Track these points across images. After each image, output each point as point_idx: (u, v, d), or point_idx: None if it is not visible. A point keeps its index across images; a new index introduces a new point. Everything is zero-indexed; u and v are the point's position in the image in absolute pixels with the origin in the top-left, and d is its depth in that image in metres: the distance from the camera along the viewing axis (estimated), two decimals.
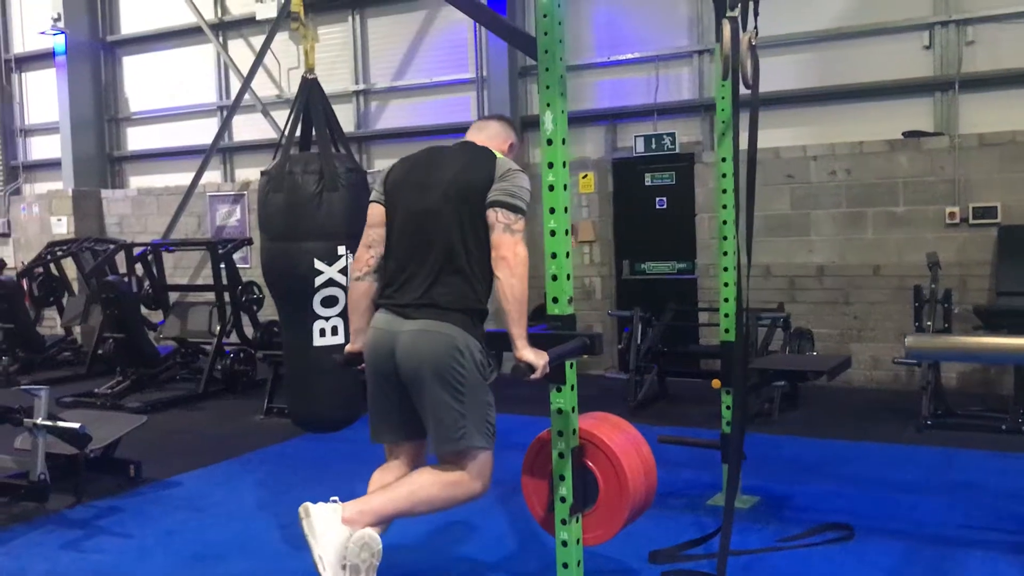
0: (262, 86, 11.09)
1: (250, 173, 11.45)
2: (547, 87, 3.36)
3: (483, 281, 3.18)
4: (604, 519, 3.51)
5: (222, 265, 8.80)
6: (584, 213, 9.20)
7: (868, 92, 8.11)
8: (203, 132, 11.58)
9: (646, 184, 9.08)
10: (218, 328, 8.86)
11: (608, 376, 8.15)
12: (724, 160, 4.94)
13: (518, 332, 2.91)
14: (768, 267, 8.31)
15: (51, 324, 11.64)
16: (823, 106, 8.32)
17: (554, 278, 3.39)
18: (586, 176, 9.15)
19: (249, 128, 11.38)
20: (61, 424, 5.26)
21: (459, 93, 10.07)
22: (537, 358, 2.88)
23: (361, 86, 10.68)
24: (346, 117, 10.80)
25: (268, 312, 9.26)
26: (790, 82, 8.39)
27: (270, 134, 10.92)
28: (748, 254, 3.78)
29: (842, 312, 8.05)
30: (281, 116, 11.05)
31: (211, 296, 9.12)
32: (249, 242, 9.20)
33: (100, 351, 9.54)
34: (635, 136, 9.03)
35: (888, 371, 7.84)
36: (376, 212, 3.32)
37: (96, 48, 12.34)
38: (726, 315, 4.98)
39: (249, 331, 8.99)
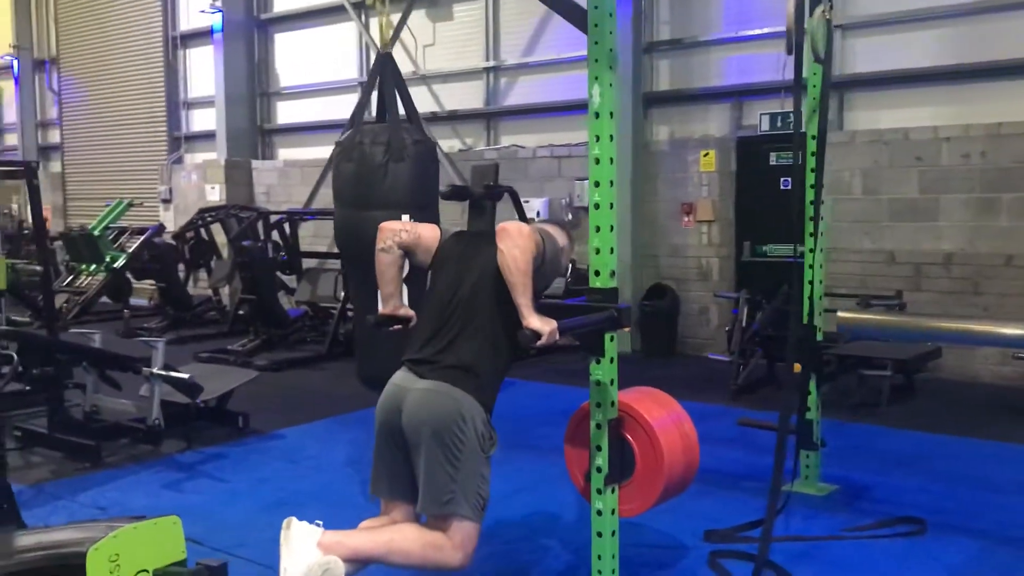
0: (399, 64, 11.41)
1: None
2: (595, 60, 3.39)
3: (503, 353, 3.19)
4: (640, 492, 3.53)
5: None
6: (704, 192, 9.06)
7: (1008, 70, 7.58)
8: (345, 106, 12.01)
9: (771, 164, 8.82)
10: (343, 293, 9.26)
11: (711, 357, 8.02)
12: (813, 138, 4.80)
13: (523, 301, 2.95)
14: (892, 253, 7.96)
15: (202, 285, 12.45)
16: (958, 85, 7.84)
17: (597, 251, 3.41)
18: (707, 154, 8.99)
19: None
20: (174, 374, 5.70)
21: (585, 70, 10.05)
22: (543, 325, 2.91)
23: (491, 63, 10.84)
24: (475, 94, 11.03)
25: None
26: (922, 59, 7.95)
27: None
28: (815, 236, 3.69)
29: (970, 303, 7.61)
30: (415, 91, 11.37)
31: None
32: None
33: (240, 311, 10.17)
34: (760, 114, 8.79)
35: (1017, 367, 7.38)
36: (429, 231, 3.40)
37: (250, 25, 13.03)
38: (810, 298, 4.85)
39: None
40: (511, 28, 10.70)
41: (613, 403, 3.47)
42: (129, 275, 12.74)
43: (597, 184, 3.41)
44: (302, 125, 12.82)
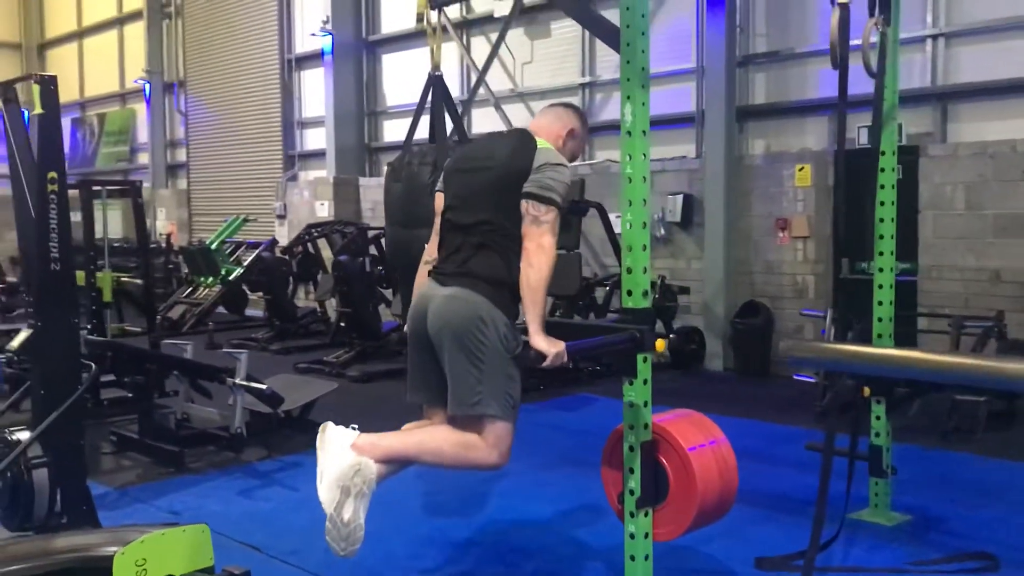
0: (497, 80, 11.58)
1: None
2: (627, 79, 3.37)
3: (518, 261, 3.25)
4: (673, 516, 3.48)
5: None
6: (799, 207, 8.81)
7: None
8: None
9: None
10: None
11: (796, 378, 7.78)
12: (883, 153, 4.65)
13: (532, 320, 2.98)
14: (998, 271, 7.55)
15: (311, 298, 12.87)
16: None
17: (628, 271, 3.39)
18: (803, 169, 8.75)
19: (488, 121, 11.91)
20: (254, 385, 5.93)
21: (680, 84, 9.97)
22: (549, 347, 2.92)
23: (587, 79, 10.86)
24: None
25: None
26: None
27: (503, 127, 11.38)
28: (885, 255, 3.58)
29: None
30: (514, 109, 11.52)
31: None
32: None
33: (341, 324, 10.48)
34: (858, 127, 8.48)
35: None
36: (439, 200, 3.51)
37: (359, 47, 13.45)
38: (879, 319, 4.67)
39: None
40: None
41: (646, 425, 3.43)
42: (245, 287, 13.35)
43: (630, 203, 3.39)
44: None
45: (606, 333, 3.29)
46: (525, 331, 3.13)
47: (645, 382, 3.42)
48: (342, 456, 3.05)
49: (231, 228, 13.48)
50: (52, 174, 4.27)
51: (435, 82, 4.44)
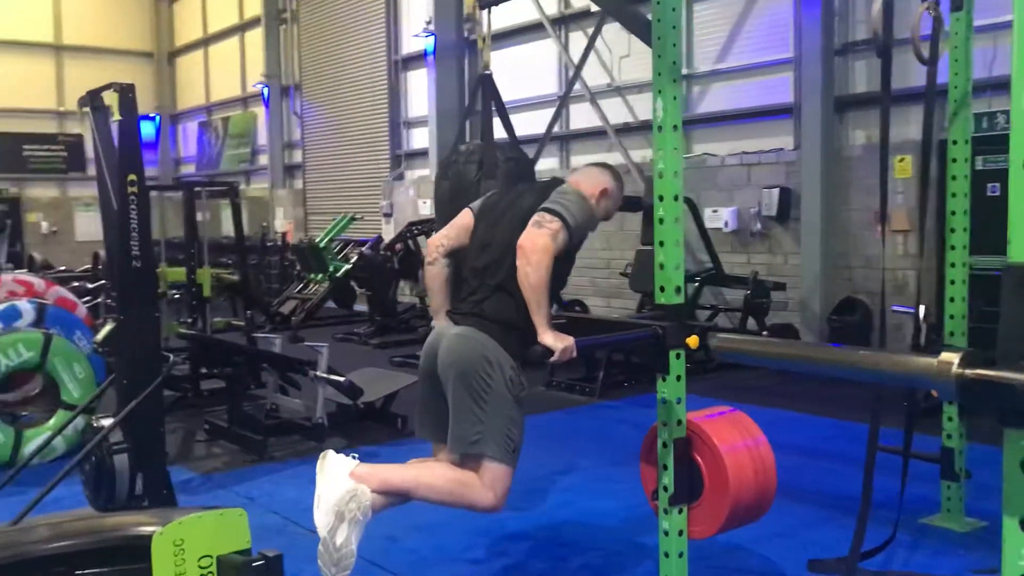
0: (594, 75, 11.55)
1: (582, 160, 11.99)
2: (659, 74, 3.34)
3: None
4: (707, 515, 3.43)
5: None
6: (899, 199, 8.47)
7: None
8: (545, 121, 12.30)
9: (976, 168, 8.10)
10: None
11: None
12: (955, 143, 4.45)
13: (538, 318, 2.97)
14: None
15: (413, 295, 13.16)
16: None
17: (661, 267, 3.36)
18: (903, 160, 8.40)
19: (586, 116, 11.90)
20: (333, 377, 6.13)
21: (777, 74, 9.72)
22: (557, 342, 2.92)
23: (684, 71, 10.68)
24: None
25: (576, 291, 9.67)
26: None
27: (599, 122, 11.37)
28: (920, 246, 3.46)
29: None
30: (610, 104, 11.47)
31: None
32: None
33: None
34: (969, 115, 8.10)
35: None
36: (465, 218, 3.52)
37: (461, 47, 13.62)
38: (951, 317, 4.47)
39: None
40: (704, 35, 10.53)
41: (680, 422, 3.40)
42: (353, 283, 13.75)
43: (661, 198, 3.36)
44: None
45: (631, 329, 3.28)
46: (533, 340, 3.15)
47: (678, 378, 3.39)
48: (340, 482, 3.11)
49: (339, 226, 13.91)
50: (132, 176, 4.53)
51: (484, 81, 4.48)
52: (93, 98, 4.73)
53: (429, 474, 3.21)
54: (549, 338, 2.93)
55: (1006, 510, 1.44)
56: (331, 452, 3.24)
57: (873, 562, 3.96)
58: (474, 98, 4.64)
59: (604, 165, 3.65)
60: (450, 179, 4.11)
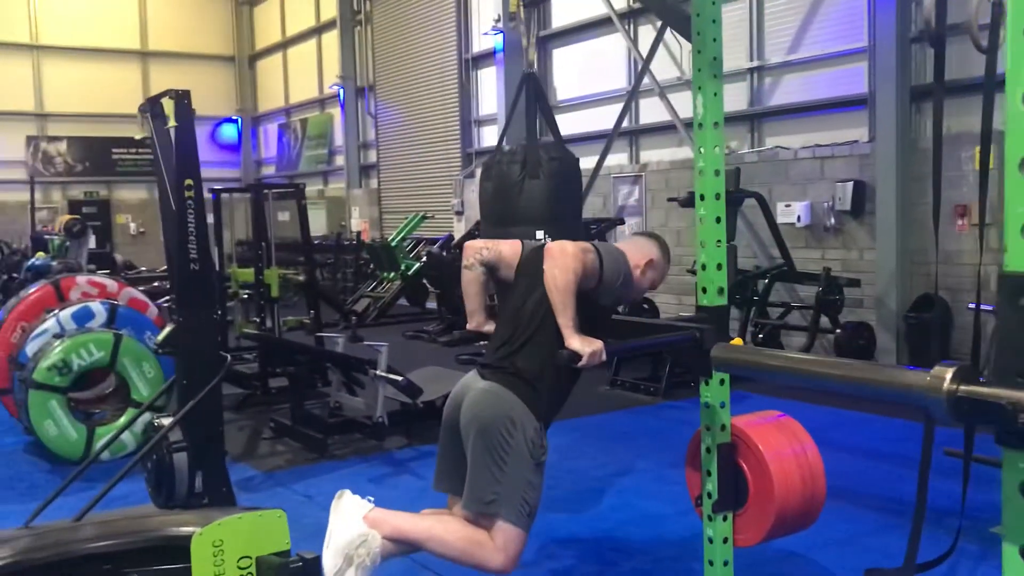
0: (664, 69, 11.39)
1: (652, 155, 11.86)
2: (699, 69, 3.26)
3: (564, 369, 3.12)
4: (753, 522, 3.33)
5: None
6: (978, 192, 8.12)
7: None
8: (614, 116, 12.20)
9: None
10: None
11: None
12: None
13: (564, 321, 2.90)
14: None
15: None
16: None
17: (703, 267, 3.28)
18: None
19: (655, 111, 11.74)
20: (392, 376, 6.17)
21: (851, 64, 9.43)
22: (584, 346, 2.85)
23: (755, 63, 10.48)
24: (739, 95, 10.69)
25: None
26: None
27: (668, 117, 11.20)
28: (936, 238, 3.29)
29: None
30: (679, 98, 11.28)
31: None
32: (621, 222, 9.62)
33: None
34: None
35: None
36: (512, 248, 3.41)
37: None
38: None
39: None
40: (775, 25, 10.28)
41: (724, 427, 3.32)
42: (425, 281, 13.86)
43: (702, 197, 3.27)
44: (575, 136, 13.15)
45: (669, 332, 3.21)
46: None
47: (722, 382, 3.31)
48: (352, 525, 3.06)
49: (411, 225, 14.03)
50: (188, 181, 4.63)
51: (528, 80, 4.43)
52: (152, 105, 4.84)
53: (443, 529, 3.13)
54: (576, 342, 2.87)
55: (1007, 537, 1.34)
56: (347, 493, 3.20)
57: (933, 573, 3.80)
58: (517, 97, 4.58)
59: (653, 235, 3.55)
60: (492, 180, 4.08)
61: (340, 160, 19.29)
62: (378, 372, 6.21)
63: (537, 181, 3.98)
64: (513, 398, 3.09)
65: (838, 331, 8.62)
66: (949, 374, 1.74)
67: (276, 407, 7.22)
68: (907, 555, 3.38)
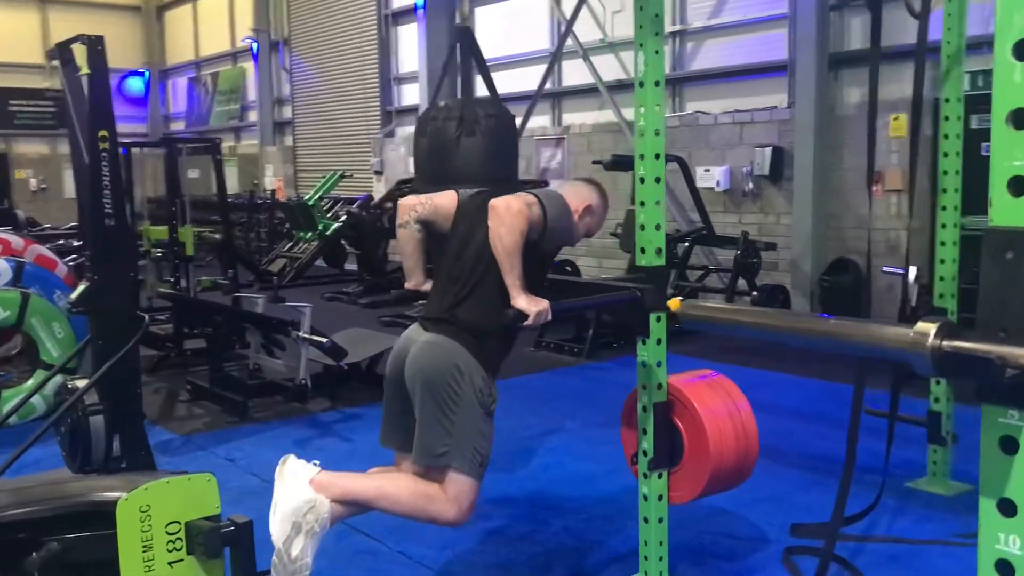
0: (587, 31, 11.34)
1: (574, 118, 11.84)
2: (640, 26, 3.22)
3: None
4: (687, 480, 3.38)
5: None
6: (894, 159, 8.36)
7: None
8: (537, 78, 12.11)
9: (972, 127, 7.97)
10: None
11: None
12: (947, 101, 4.35)
13: (511, 281, 2.87)
14: None
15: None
16: None
17: (641, 227, 3.27)
18: (897, 118, 8.28)
19: (579, 73, 11.70)
20: (316, 338, 6.05)
21: (771, 31, 9.55)
22: (531, 305, 2.83)
23: (677, 27, 10.51)
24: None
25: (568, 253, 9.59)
26: None
27: (592, 79, 11.18)
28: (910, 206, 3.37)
29: None
30: (603, 61, 11.27)
31: None
32: (545, 184, 9.59)
33: None
34: (966, 72, 7.95)
35: None
36: (448, 200, 3.38)
37: (451, 1, 13.38)
38: (941, 279, 4.40)
39: None
40: None
41: (660, 386, 3.34)
42: (343, 242, 13.62)
43: (643, 157, 3.25)
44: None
45: (611, 291, 3.20)
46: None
47: (659, 341, 3.32)
48: (299, 491, 2.96)
49: (329, 184, 13.75)
50: (103, 132, 4.40)
51: (463, 34, 4.33)
52: (62, 51, 4.57)
53: (392, 485, 3.06)
54: (523, 301, 2.83)
55: (983, 491, 1.36)
56: (292, 458, 3.09)
57: (857, 527, 3.93)
58: (453, 53, 4.47)
59: (591, 181, 3.50)
60: (428, 136, 3.98)
61: (253, 116, 18.76)
62: (301, 334, 6.08)
63: (474, 138, 3.90)
64: (458, 348, 3.04)
65: (755, 293, 8.79)
66: (933, 330, 1.75)
67: (192, 369, 7.03)
68: (835, 509, 3.47)
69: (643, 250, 3.30)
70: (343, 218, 12.76)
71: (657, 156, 3.26)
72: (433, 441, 3.01)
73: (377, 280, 11.60)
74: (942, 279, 4.38)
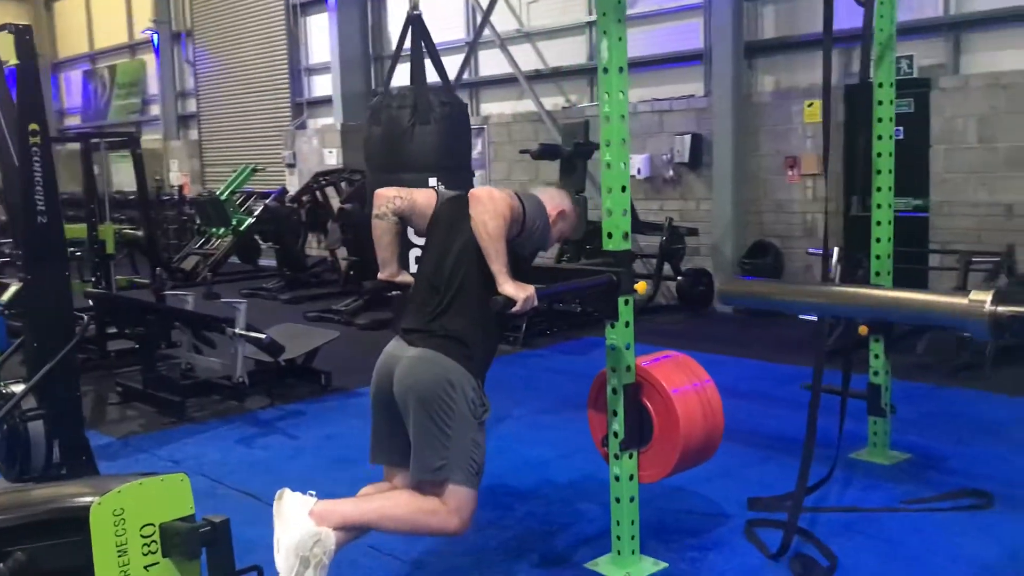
0: (504, 21, 11.36)
1: (493, 107, 11.85)
2: (604, 13, 3.26)
3: (492, 322, 3.14)
4: (657, 459, 3.45)
5: None
6: (808, 144, 8.65)
7: None
8: (453, 68, 12.06)
9: None
10: None
11: (801, 318, 7.69)
12: (880, 86, 4.52)
13: (497, 267, 2.88)
14: (1011, 206, 7.38)
15: (323, 247, 12.83)
16: None
17: (609, 213, 3.32)
18: (812, 104, 8.56)
19: (496, 63, 11.70)
20: (253, 334, 5.92)
21: (687, 20, 9.74)
22: (518, 291, 2.85)
23: (591, 17, 10.61)
24: (579, 49, 10.84)
25: None
26: None
27: (510, 69, 11.20)
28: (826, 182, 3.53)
29: None
30: (520, 50, 11.31)
31: None
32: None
33: (351, 272, 10.48)
34: (873, 59, 8.27)
35: None
36: (427, 197, 3.33)
37: None
38: (877, 257, 4.58)
39: None
40: None
41: (629, 368, 3.39)
42: (257, 237, 13.33)
43: (608, 143, 3.30)
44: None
45: (584, 276, 3.24)
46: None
47: (627, 324, 3.38)
48: (300, 525, 2.92)
49: (240, 178, 13.44)
50: (33, 126, 4.23)
51: (414, 21, 4.31)
52: None
53: (392, 505, 3.06)
54: (509, 287, 2.84)
55: None
56: (287, 491, 3.01)
57: (810, 498, 4.06)
58: (403, 40, 4.43)
59: (562, 187, 3.56)
60: (382, 125, 3.95)
61: (155, 110, 18.18)
62: (237, 331, 5.95)
63: (428, 127, 3.88)
64: (448, 361, 3.02)
65: (679, 278, 8.99)
66: (989, 297, 1.83)
67: (117, 371, 6.80)
68: (799, 481, 3.58)
69: (610, 235, 3.35)
70: (257, 213, 12.50)
71: (624, 141, 3.31)
72: (430, 457, 3.01)
73: (298, 275, 11.40)
74: (878, 257, 4.56)
